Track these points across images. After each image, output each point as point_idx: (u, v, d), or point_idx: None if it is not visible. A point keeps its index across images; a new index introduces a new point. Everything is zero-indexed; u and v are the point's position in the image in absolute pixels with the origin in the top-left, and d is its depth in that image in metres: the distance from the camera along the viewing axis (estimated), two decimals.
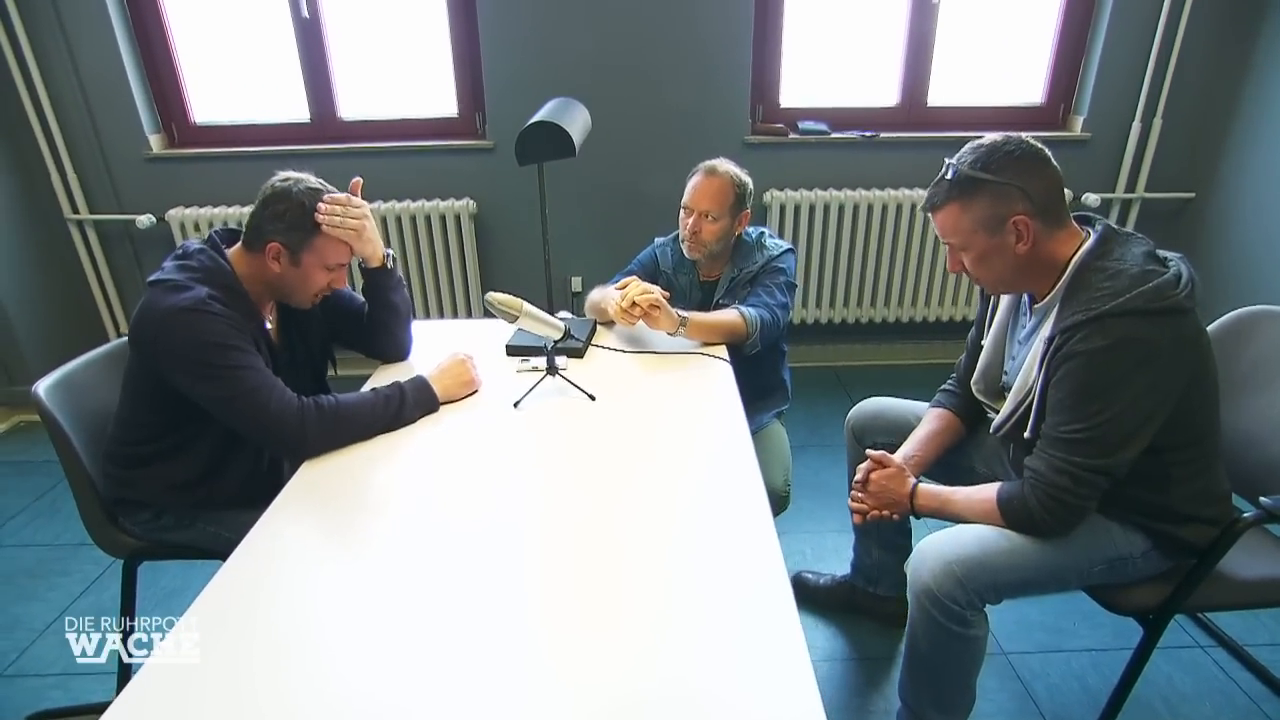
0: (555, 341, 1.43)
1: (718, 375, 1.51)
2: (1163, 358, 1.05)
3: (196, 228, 2.70)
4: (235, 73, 2.75)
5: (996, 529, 1.18)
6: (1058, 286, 1.15)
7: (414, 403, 1.35)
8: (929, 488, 1.30)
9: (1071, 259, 1.13)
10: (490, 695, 0.80)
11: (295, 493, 1.16)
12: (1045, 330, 1.15)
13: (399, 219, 2.74)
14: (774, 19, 2.66)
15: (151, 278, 1.24)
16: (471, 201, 2.74)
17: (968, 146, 1.15)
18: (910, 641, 1.23)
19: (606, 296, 1.66)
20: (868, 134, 2.74)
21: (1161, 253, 1.12)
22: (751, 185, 1.70)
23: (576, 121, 1.91)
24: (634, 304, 1.54)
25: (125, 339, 1.33)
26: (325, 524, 1.12)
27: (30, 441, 2.68)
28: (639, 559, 1.01)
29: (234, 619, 0.91)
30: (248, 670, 0.84)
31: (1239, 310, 1.41)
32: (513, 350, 1.63)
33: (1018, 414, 1.22)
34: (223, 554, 1.02)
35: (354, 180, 1.37)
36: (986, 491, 1.21)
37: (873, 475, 1.33)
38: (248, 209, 1.30)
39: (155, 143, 2.68)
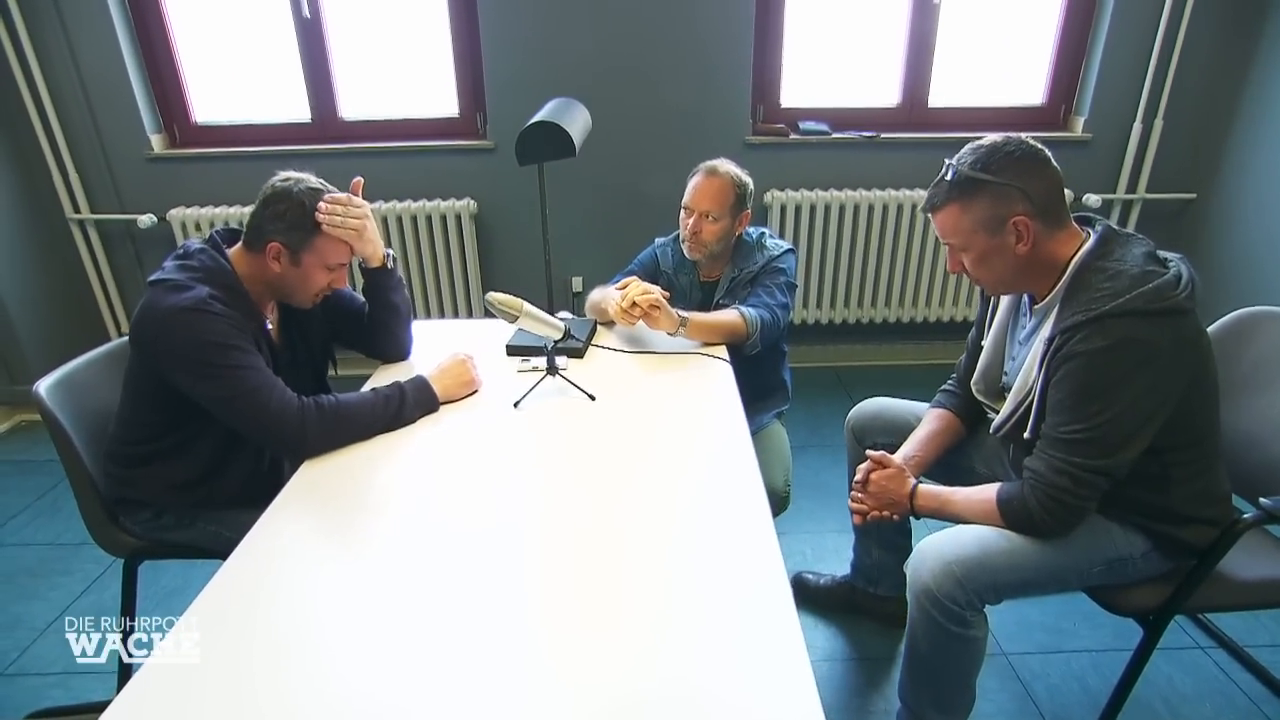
0: (555, 341, 1.43)
1: (718, 375, 1.51)
2: (1163, 358, 1.05)
3: (198, 227, 2.71)
4: (236, 73, 2.75)
5: (996, 529, 1.18)
6: (1058, 287, 1.15)
7: (414, 402, 1.35)
8: (929, 488, 1.30)
9: (1072, 259, 1.13)
10: (490, 695, 0.80)
11: (295, 492, 1.17)
12: (1045, 331, 1.15)
13: (399, 219, 2.74)
14: (775, 19, 2.66)
15: (152, 277, 1.24)
16: (472, 201, 2.74)
17: (968, 147, 1.15)
18: (910, 642, 1.23)
19: (607, 296, 1.66)
20: (869, 134, 2.74)
21: (1162, 253, 1.12)
22: (752, 185, 1.70)
23: (577, 122, 1.91)
24: (634, 304, 1.54)
25: (126, 338, 1.33)
26: (325, 524, 1.12)
27: (31, 441, 2.69)
28: (639, 559, 1.01)
29: (234, 619, 0.92)
30: (248, 670, 0.84)
31: (1240, 311, 1.41)
32: (513, 350, 1.63)
33: (1017, 414, 1.22)
34: (223, 553, 1.02)
35: (355, 180, 1.37)
36: (986, 492, 1.21)
37: (873, 475, 1.33)
38: (249, 209, 1.30)
39: (156, 142, 2.68)
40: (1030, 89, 2.82)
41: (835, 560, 1.95)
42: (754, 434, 1.35)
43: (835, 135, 2.73)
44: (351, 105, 2.75)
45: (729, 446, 1.26)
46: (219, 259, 1.28)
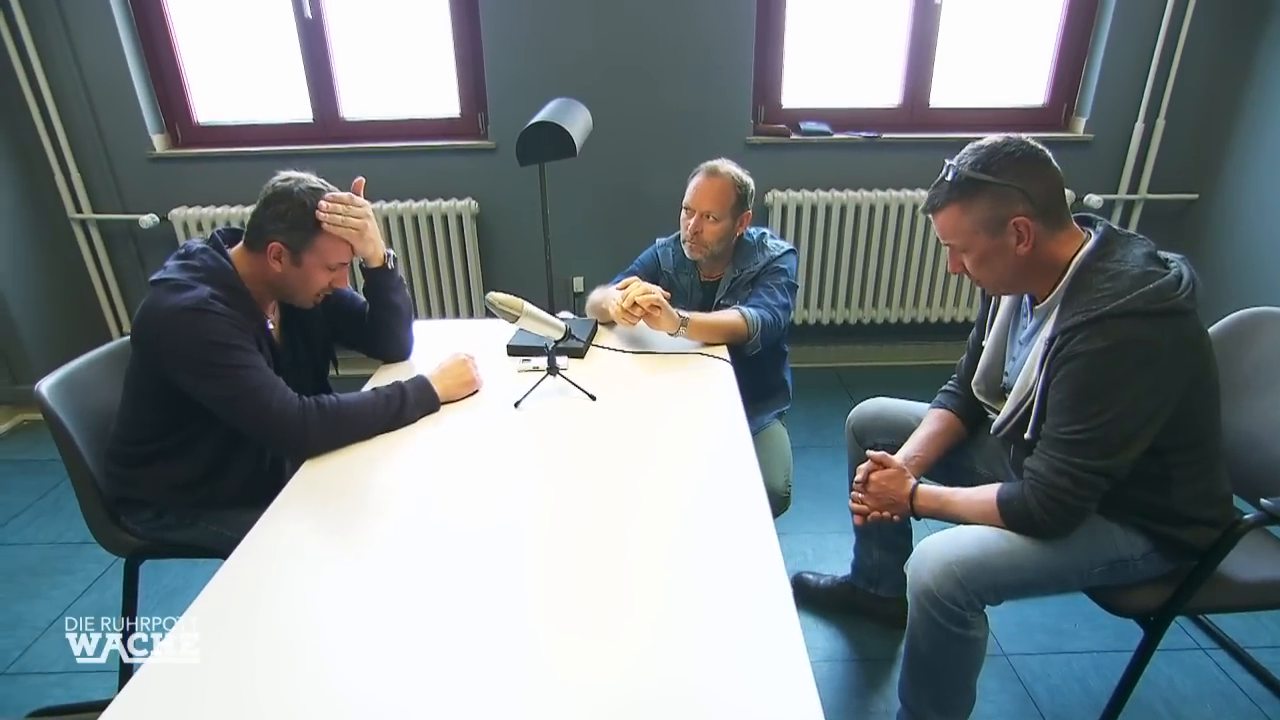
0: (556, 342, 1.43)
1: (718, 376, 1.51)
2: (1163, 359, 1.05)
3: (199, 227, 2.71)
4: (238, 73, 2.76)
5: (997, 530, 1.18)
6: (1058, 287, 1.15)
7: (415, 402, 1.35)
8: (929, 489, 1.30)
9: (1072, 260, 1.13)
10: (490, 694, 0.80)
11: (296, 492, 1.17)
12: (1046, 331, 1.15)
13: (401, 219, 2.74)
14: (776, 19, 2.66)
15: (154, 277, 1.24)
16: (473, 201, 2.74)
17: (968, 148, 1.15)
18: (910, 642, 1.23)
19: (608, 297, 1.66)
20: (870, 135, 2.73)
21: (1162, 254, 1.11)
22: (753, 186, 1.70)
23: (578, 122, 1.91)
24: (635, 304, 1.54)
25: (127, 338, 1.34)
26: (326, 523, 1.12)
27: (33, 440, 2.69)
28: (639, 559, 1.01)
29: (234, 618, 0.92)
30: (248, 670, 0.84)
31: (1241, 311, 1.41)
32: (514, 350, 1.63)
33: (1018, 415, 1.22)
34: (224, 553, 1.02)
35: (356, 180, 1.37)
36: (986, 492, 1.21)
37: (873, 476, 1.33)
38: (250, 209, 1.30)
39: (158, 143, 2.69)
40: (1032, 89, 2.82)
41: (836, 561, 1.95)
42: (755, 434, 1.35)
43: (836, 136, 2.73)
44: (353, 105, 2.75)
45: (729, 447, 1.26)
46: (220, 259, 1.28)
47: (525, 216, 2.68)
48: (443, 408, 1.40)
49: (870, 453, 1.36)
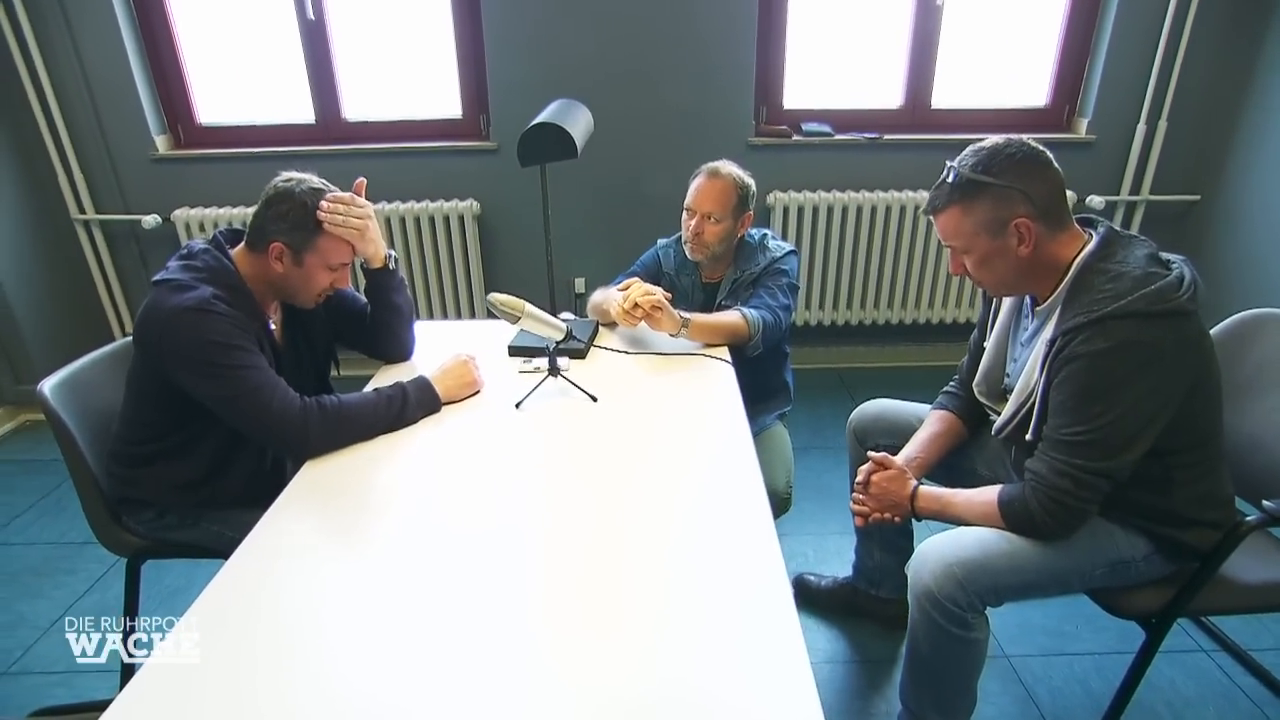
0: (557, 342, 1.43)
1: (719, 377, 1.51)
2: (1165, 360, 1.05)
3: (202, 228, 2.71)
4: (241, 74, 2.76)
5: (998, 531, 1.18)
6: (1060, 289, 1.15)
7: (416, 403, 1.35)
8: (930, 490, 1.30)
9: (1073, 261, 1.13)
10: (491, 695, 0.80)
11: (297, 492, 1.17)
12: (1047, 332, 1.15)
13: (403, 220, 2.74)
14: (778, 20, 2.66)
15: (156, 277, 1.25)
16: (475, 202, 2.74)
17: (969, 149, 1.15)
18: (911, 644, 1.23)
19: (609, 298, 1.66)
20: (871, 136, 2.73)
21: (1164, 255, 1.11)
22: (754, 187, 1.70)
23: (579, 123, 1.91)
24: (636, 305, 1.54)
25: (130, 338, 1.34)
26: (327, 524, 1.12)
27: (36, 440, 2.70)
28: (640, 560, 1.01)
29: (234, 619, 0.92)
30: (248, 670, 0.84)
31: (1243, 313, 1.41)
32: (515, 351, 1.63)
33: (1019, 416, 1.22)
34: (226, 553, 1.03)
35: (358, 181, 1.38)
36: (987, 494, 1.21)
37: (874, 477, 1.33)
38: (252, 209, 1.31)
39: (161, 143, 2.69)
40: (1034, 90, 2.82)
41: (837, 562, 1.94)
42: (756, 435, 1.35)
43: (838, 137, 2.73)
44: (355, 106, 2.75)
45: (730, 448, 1.26)
46: (222, 259, 1.28)
47: (527, 217, 2.67)
48: (444, 408, 1.40)
49: (871, 454, 1.35)
